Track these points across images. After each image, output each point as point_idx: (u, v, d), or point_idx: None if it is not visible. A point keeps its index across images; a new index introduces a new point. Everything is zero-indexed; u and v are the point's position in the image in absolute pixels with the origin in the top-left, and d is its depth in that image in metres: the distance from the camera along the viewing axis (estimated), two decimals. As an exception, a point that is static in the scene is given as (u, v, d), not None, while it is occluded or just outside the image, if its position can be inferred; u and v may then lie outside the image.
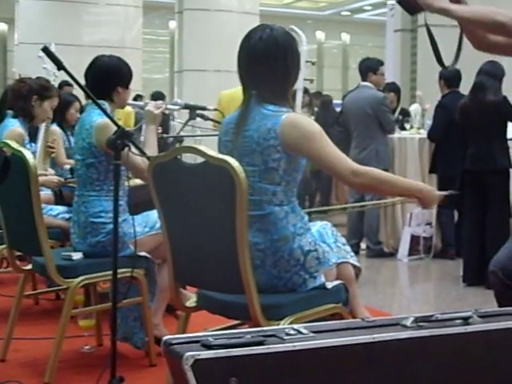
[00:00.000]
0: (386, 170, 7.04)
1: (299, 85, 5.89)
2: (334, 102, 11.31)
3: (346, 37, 25.88)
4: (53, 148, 5.40)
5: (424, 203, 2.94)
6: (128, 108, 6.68)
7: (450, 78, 7.00)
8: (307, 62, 6.15)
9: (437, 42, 2.72)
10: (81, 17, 14.16)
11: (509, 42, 2.69)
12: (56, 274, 3.50)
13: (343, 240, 3.25)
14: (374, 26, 22.62)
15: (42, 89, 4.94)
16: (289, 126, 2.76)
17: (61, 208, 4.76)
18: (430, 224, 7.13)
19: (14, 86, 5.03)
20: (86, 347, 3.97)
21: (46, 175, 4.93)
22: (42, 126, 5.27)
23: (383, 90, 8.09)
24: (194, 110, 4.24)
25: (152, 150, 3.63)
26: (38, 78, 5.21)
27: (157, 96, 10.41)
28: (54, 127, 6.02)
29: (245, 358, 1.66)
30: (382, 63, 7.38)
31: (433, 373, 1.85)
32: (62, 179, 4.99)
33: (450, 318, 1.90)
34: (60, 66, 2.95)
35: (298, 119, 2.82)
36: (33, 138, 5.15)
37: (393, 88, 8.84)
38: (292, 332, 1.78)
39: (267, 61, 2.84)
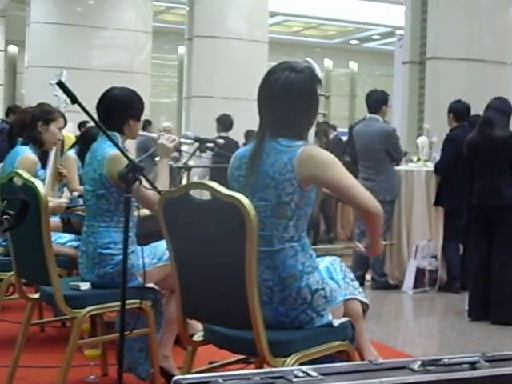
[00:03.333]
0: (393, 200, 7.10)
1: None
2: (341, 130, 11.34)
3: (353, 65, 26.04)
4: (62, 174, 5.42)
5: (373, 251, 3.21)
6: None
7: (459, 112, 7.04)
8: (320, 95, 6.15)
9: None
10: (91, 41, 14.29)
11: None
12: (64, 304, 3.49)
13: (352, 276, 3.27)
14: (382, 55, 22.75)
15: (45, 113, 4.95)
16: (305, 158, 2.80)
17: (69, 236, 4.76)
18: (435, 257, 7.13)
19: (17, 118, 5.04)
20: (92, 377, 3.96)
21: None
22: (52, 152, 5.29)
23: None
24: (203, 143, 4.28)
25: (163, 183, 3.65)
26: (38, 104, 5.23)
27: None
28: (71, 154, 6.05)
29: (254, 400, 1.67)
30: (388, 94, 7.45)
31: (440, 418, 1.86)
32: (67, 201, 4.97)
33: (457, 363, 1.90)
34: (74, 99, 2.98)
35: (315, 150, 2.87)
36: (43, 164, 5.16)
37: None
38: (301, 374, 1.79)
39: (281, 103, 2.88)
